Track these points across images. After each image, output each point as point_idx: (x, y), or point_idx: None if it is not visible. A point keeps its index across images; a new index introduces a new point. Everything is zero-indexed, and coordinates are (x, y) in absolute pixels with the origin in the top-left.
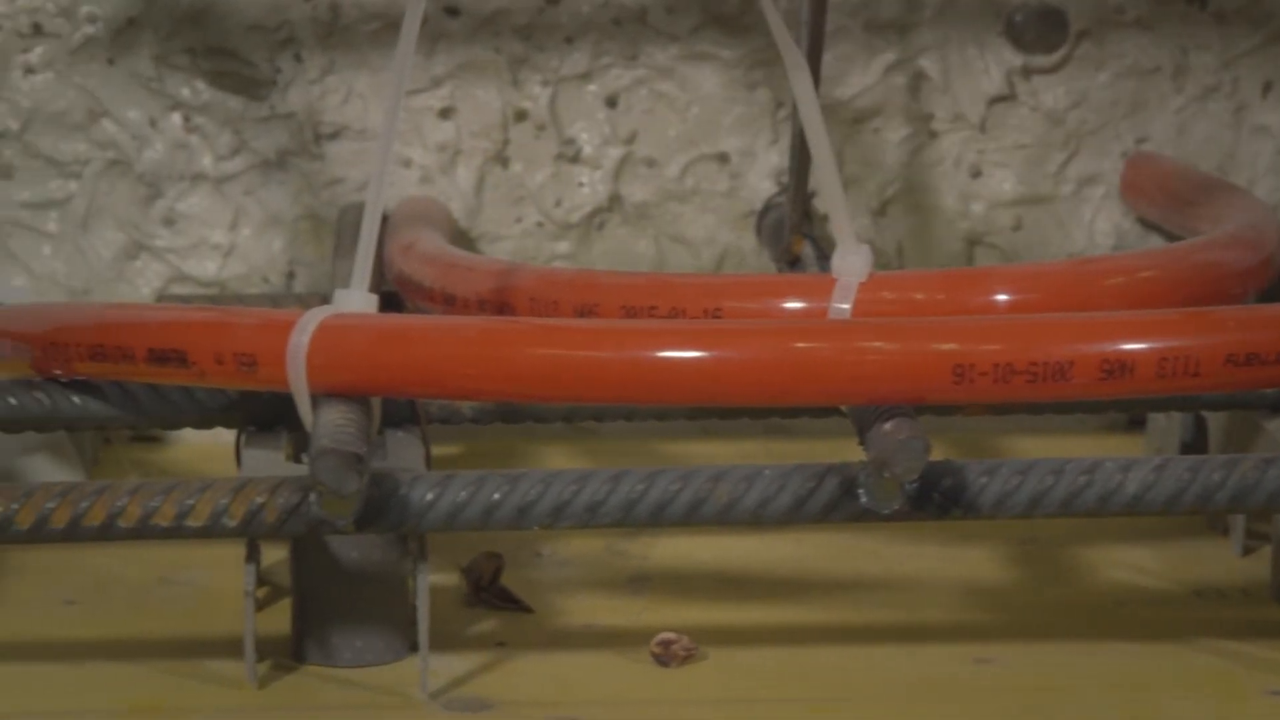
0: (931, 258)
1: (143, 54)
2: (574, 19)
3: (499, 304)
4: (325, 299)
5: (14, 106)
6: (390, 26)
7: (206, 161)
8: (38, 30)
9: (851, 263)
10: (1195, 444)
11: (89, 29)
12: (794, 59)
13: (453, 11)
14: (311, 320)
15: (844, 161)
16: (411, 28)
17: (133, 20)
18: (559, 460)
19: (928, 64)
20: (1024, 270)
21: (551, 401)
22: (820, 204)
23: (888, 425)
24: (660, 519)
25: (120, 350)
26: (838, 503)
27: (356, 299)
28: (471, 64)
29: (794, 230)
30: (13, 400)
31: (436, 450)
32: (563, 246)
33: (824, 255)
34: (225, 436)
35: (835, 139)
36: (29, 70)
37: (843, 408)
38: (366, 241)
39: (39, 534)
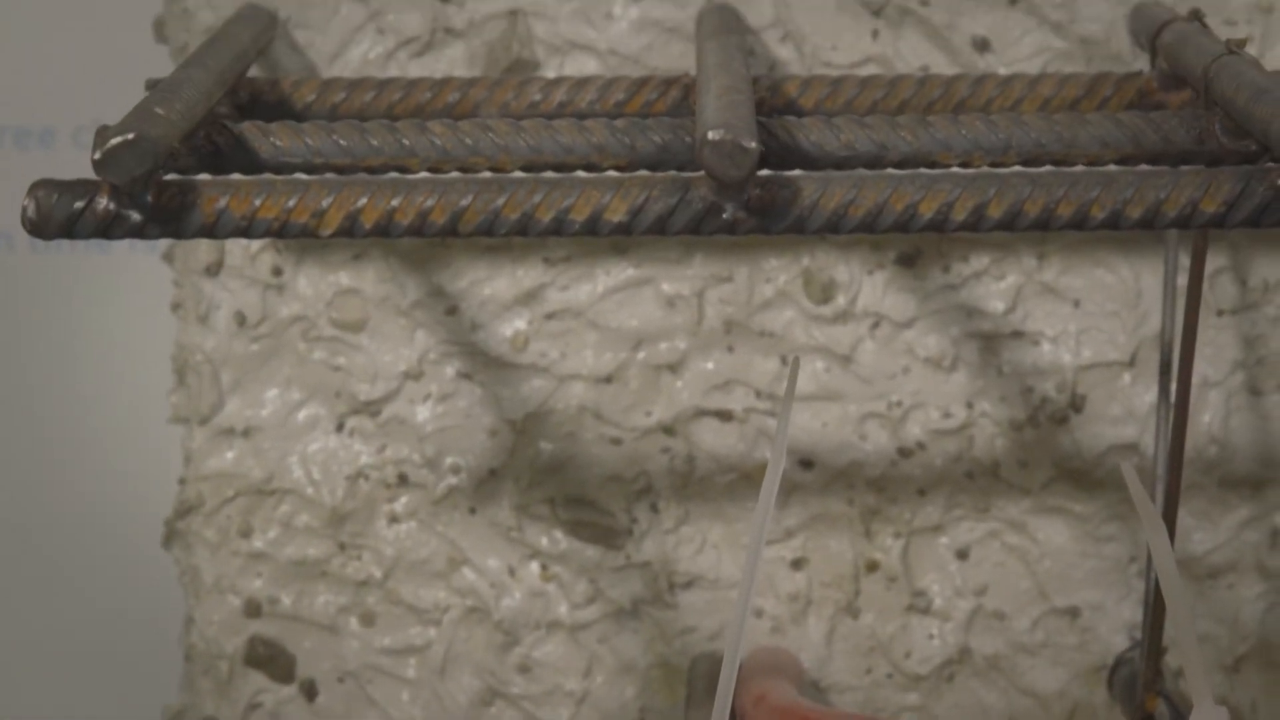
0: None
1: (504, 504)
2: (927, 472)
3: None
4: None
5: (378, 555)
6: (745, 478)
7: (562, 610)
8: (403, 480)
9: None
10: None
11: (452, 479)
12: (1151, 517)
13: (807, 464)
14: None
15: (1197, 617)
16: (772, 483)
17: (495, 471)
18: None
19: None
20: None
21: None
22: (1173, 659)
23: None
24: None
25: None
26: None
27: None
28: (824, 515)
29: (1147, 687)
30: None
31: None
32: (912, 698)
33: (1178, 714)
34: None
35: (1188, 595)
36: (393, 519)
37: None
38: (723, 696)
39: None
